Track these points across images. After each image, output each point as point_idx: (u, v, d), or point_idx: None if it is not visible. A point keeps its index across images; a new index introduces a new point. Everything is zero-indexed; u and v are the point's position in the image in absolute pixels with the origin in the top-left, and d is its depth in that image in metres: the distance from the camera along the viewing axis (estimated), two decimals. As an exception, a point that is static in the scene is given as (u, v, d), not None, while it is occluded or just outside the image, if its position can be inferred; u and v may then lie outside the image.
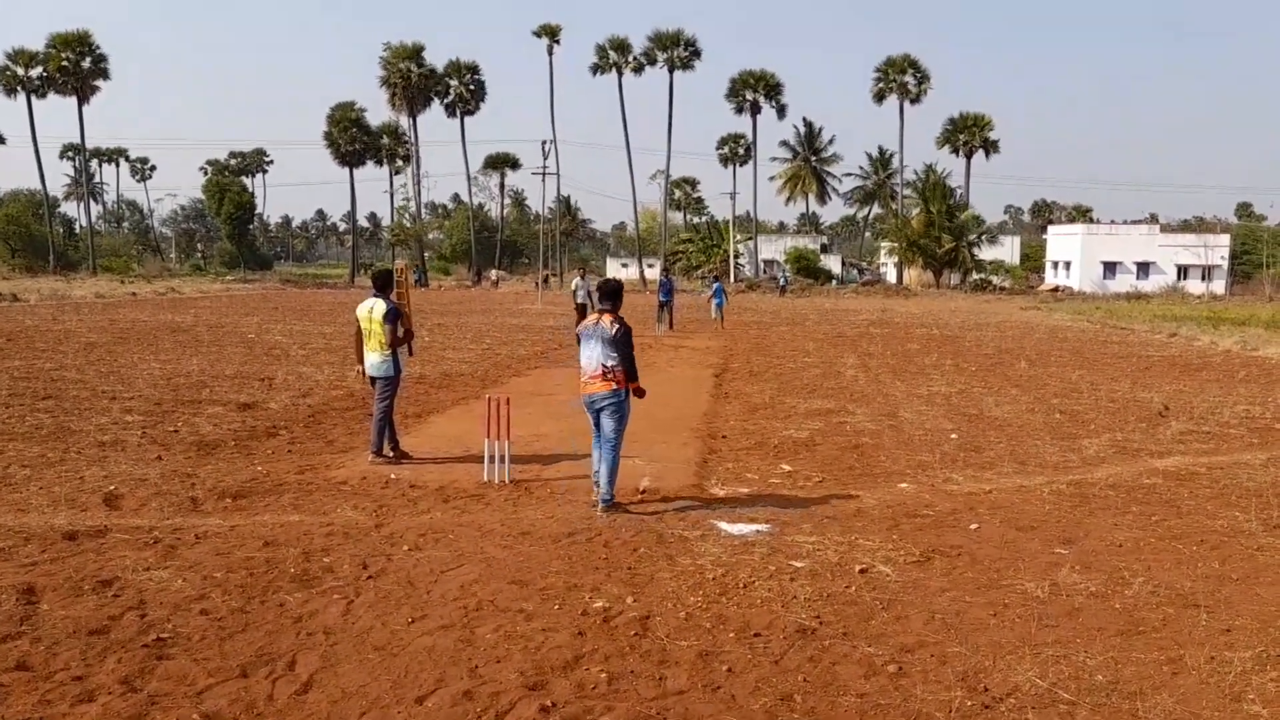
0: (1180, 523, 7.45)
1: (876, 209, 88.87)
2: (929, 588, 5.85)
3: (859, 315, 36.80)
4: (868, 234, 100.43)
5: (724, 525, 7.12)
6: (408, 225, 79.52)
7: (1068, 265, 68.72)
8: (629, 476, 8.65)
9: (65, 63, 68.42)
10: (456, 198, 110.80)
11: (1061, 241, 71.99)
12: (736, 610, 5.42)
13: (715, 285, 29.32)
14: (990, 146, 72.31)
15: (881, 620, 5.31)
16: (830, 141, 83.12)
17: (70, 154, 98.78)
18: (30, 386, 13.37)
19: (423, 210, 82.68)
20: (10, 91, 69.51)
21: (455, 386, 14.63)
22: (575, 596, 5.60)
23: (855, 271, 79.50)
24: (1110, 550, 6.70)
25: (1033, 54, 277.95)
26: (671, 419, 11.99)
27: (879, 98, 71.60)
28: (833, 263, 78.85)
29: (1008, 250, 78.00)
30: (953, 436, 11.04)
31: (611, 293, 7.84)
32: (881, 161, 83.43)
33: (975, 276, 66.84)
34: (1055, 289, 64.17)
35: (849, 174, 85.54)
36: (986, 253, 69.15)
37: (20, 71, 69.03)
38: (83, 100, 70.20)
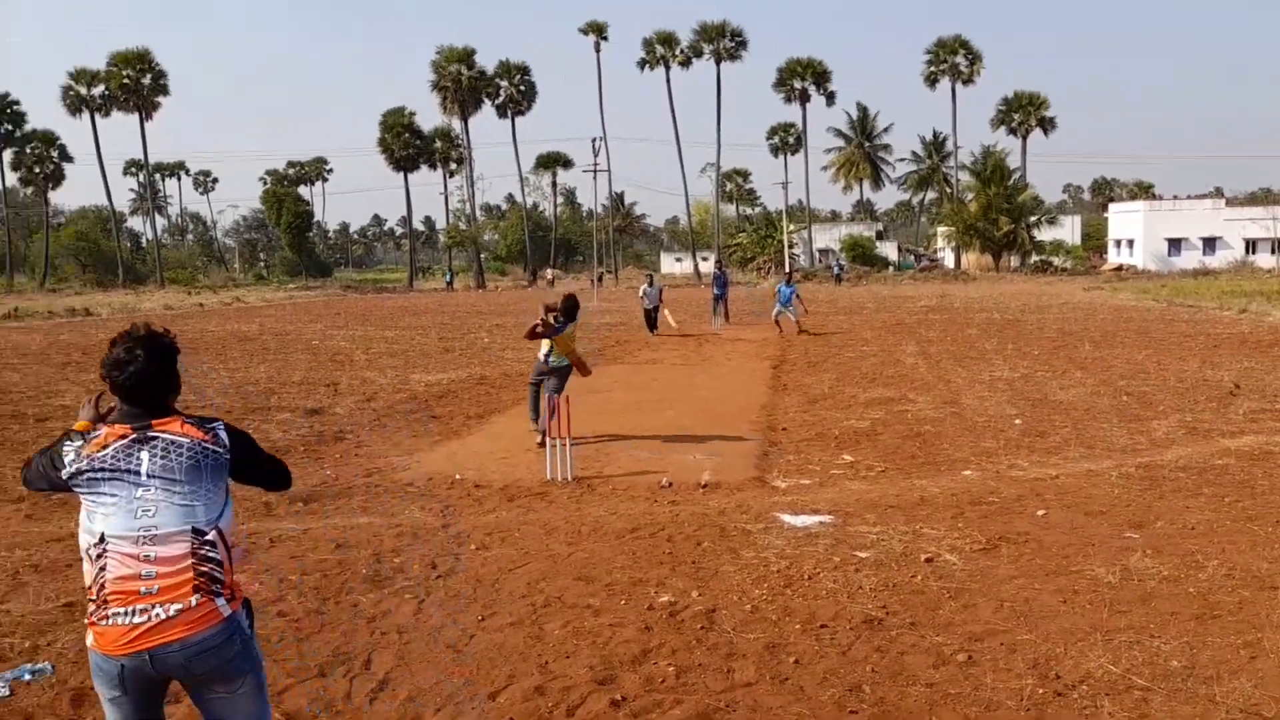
0: (1254, 503, 7.30)
1: (932, 193, 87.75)
2: (996, 575, 5.81)
3: (917, 301, 36.40)
4: (923, 219, 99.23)
5: (787, 517, 7.13)
6: (463, 228, 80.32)
7: (1130, 243, 67.27)
8: (690, 471, 8.70)
9: (126, 80, 70.17)
10: (510, 198, 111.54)
11: (1123, 219, 70.47)
12: (802, 602, 5.44)
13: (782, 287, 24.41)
14: (1047, 125, 71.03)
15: (949, 609, 5.29)
16: (887, 129, 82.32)
17: (134, 170, 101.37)
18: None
19: (477, 212, 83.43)
20: (75, 111, 71.50)
21: (515, 386, 14.76)
22: (641, 591, 5.66)
23: (912, 257, 78.60)
24: (1182, 533, 6.59)
25: (1087, 27, 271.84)
26: (731, 412, 12.00)
27: (931, 80, 70.63)
28: (889, 249, 78.05)
29: (1068, 230, 76.54)
30: (1016, 422, 10.90)
31: None
32: (935, 145, 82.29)
33: (1035, 258, 65.67)
34: (1118, 268, 62.87)
35: (902, 159, 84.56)
36: (1046, 233, 67.88)
37: (83, 91, 70.95)
38: (144, 117, 71.92)
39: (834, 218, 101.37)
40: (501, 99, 73.83)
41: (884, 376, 14.97)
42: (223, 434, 2.95)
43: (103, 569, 2.74)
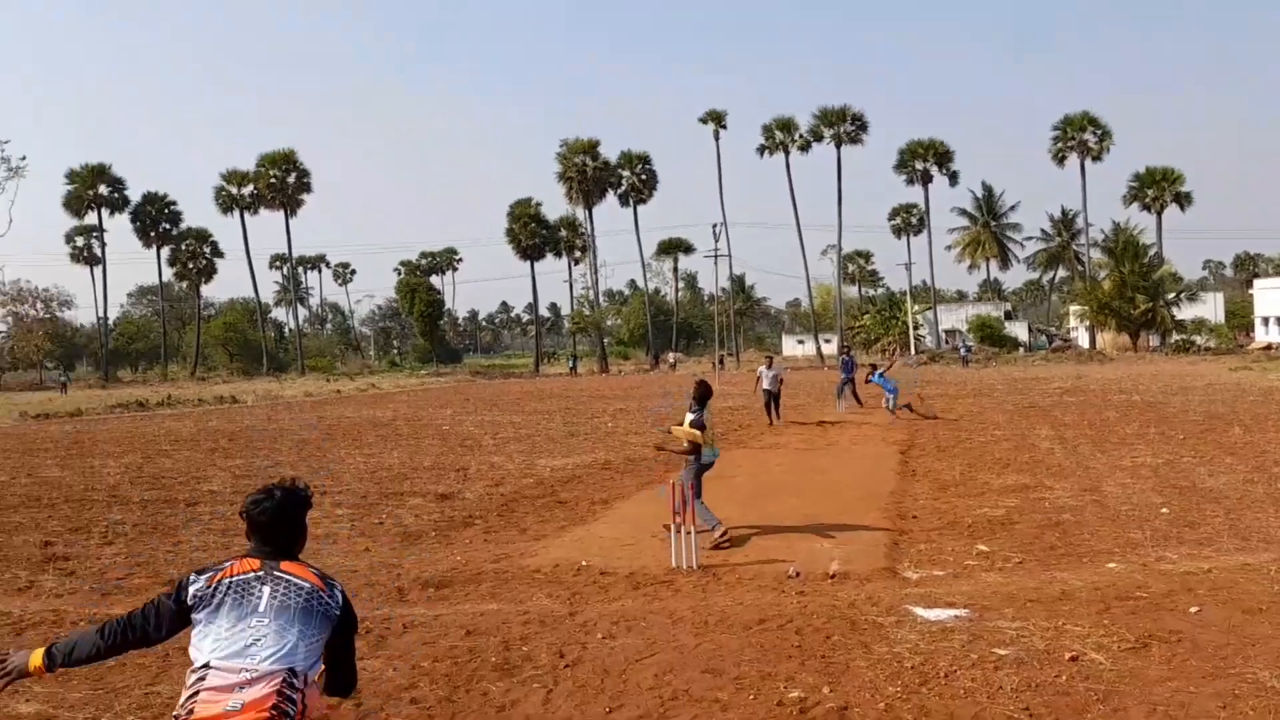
0: None
1: (1062, 272, 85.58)
2: (1148, 677, 5.50)
3: (1050, 383, 35.24)
4: (1054, 297, 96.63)
5: (920, 610, 6.92)
6: (587, 314, 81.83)
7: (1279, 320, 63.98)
8: (817, 560, 8.55)
9: (273, 180, 74.75)
10: (632, 284, 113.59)
11: (1271, 295, 67.28)
12: (939, 701, 5.24)
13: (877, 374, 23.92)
14: (1183, 200, 68.77)
15: (1097, 713, 5.02)
16: (1013, 208, 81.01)
17: (279, 263, 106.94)
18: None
19: (601, 298, 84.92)
20: (226, 210, 76.40)
21: (639, 471, 14.84)
22: (770, 686, 5.55)
23: (1044, 338, 76.48)
24: (1355, 635, 6.12)
25: (1222, 100, 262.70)
26: (858, 498, 11.78)
27: (1058, 158, 69.51)
28: (1019, 329, 76.20)
29: (1210, 308, 73.34)
30: (1163, 511, 10.38)
31: None
32: (1064, 222, 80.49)
33: (1176, 337, 63.10)
34: (1268, 346, 59.77)
35: (1030, 237, 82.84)
36: (1186, 311, 65.28)
37: (234, 190, 75.80)
38: (289, 213, 76.17)
39: (960, 298, 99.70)
40: (624, 188, 75.70)
41: (1018, 462, 14.49)
42: (339, 593, 3.19)
43: (195, 694, 2.88)
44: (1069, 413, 22.63)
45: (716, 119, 72.86)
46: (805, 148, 71.88)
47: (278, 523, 3.21)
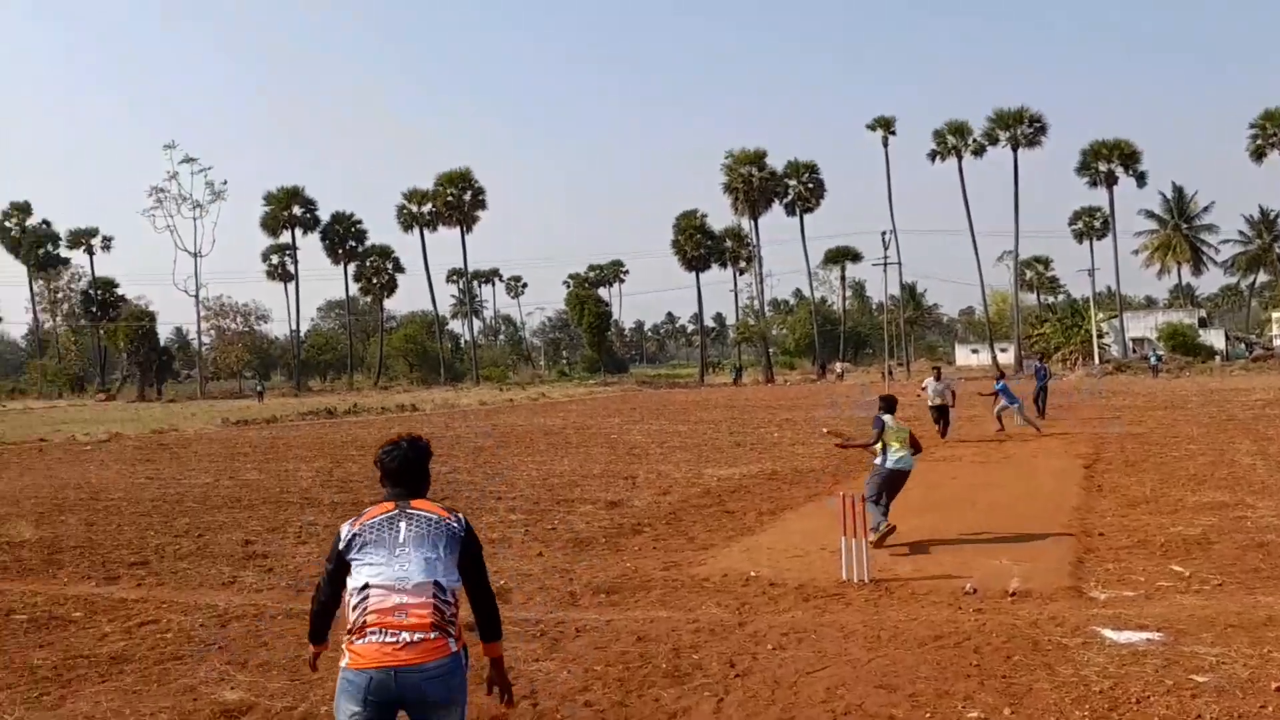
0: None
1: (1263, 276, 79.77)
2: (1369, 713, 5.06)
3: (1251, 395, 32.87)
4: (1254, 303, 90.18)
5: (1108, 632, 6.58)
6: (752, 324, 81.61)
7: None
8: (996, 577, 8.26)
9: (450, 198, 77.80)
10: (798, 293, 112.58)
11: None
12: (1130, 728, 4.98)
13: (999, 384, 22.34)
14: (1406, 195, 63.00)
15: (1310, 749, 4.66)
16: (1206, 209, 76.01)
17: (455, 277, 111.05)
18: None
19: (766, 308, 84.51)
20: (407, 227, 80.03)
21: (807, 482, 14.69)
22: (947, 705, 5.40)
23: (1243, 346, 71.42)
24: None
25: None
26: (1039, 514, 11.31)
27: (1257, 155, 64.89)
28: (1214, 337, 71.46)
29: None
30: (1385, 534, 9.53)
31: None
32: (1265, 223, 75.04)
33: (1400, 344, 57.76)
34: None
35: (1226, 240, 77.51)
36: None
37: (414, 209, 79.32)
38: (465, 229, 79.11)
39: (1149, 304, 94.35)
40: (790, 197, 75.22)
41: (1215, 479, 13.59)
42: (463, 519, 3.71)
43: (365, 609, 3.41)
44: (1273, 426, 21.07)
45: (885, 125, 71.53)
46: (979, 152, 69.65)
47: (404, 469, 3.76)
